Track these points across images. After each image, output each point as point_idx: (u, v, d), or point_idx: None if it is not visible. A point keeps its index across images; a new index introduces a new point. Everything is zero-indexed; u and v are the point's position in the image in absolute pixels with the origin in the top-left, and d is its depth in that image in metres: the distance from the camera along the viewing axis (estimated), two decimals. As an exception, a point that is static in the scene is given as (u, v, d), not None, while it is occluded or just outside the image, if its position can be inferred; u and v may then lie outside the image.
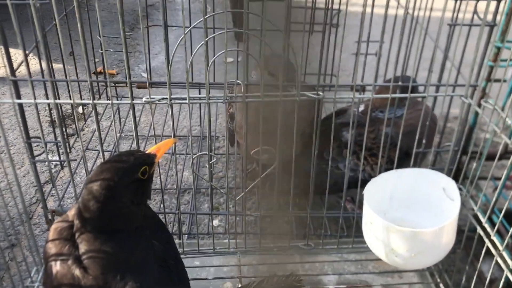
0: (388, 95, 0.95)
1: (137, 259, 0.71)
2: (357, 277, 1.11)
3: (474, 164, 0.96)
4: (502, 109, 0.87)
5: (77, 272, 0.67)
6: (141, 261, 0.71)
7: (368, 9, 0.95)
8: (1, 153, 0.82)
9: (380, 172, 1.04)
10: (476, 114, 1.03)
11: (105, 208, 0.68)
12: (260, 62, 0.90)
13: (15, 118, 1.72)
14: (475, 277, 0.88)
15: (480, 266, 0.88)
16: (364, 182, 1.02)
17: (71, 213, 0.72)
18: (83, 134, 1.66)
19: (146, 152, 0.74)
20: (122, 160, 0.72)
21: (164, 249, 0.75)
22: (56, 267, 0.68)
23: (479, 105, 0.97)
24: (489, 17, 0.95)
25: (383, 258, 0.97)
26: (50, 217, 1.09)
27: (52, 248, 0.70)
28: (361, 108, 1.25)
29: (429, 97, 0.98)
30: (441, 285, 1.06)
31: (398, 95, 0.97)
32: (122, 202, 0.70)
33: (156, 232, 0.77)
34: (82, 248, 0.69)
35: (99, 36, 1.52)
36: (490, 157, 0.99)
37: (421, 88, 1.25)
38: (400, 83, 0.99)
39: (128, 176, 0.70)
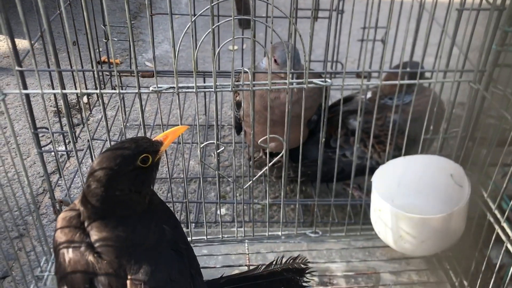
0: (396, 82, 0.94)
1: (150, 242, 0.71)
2: (365, 264, 1.11)
3: (483, 151, 0.95)
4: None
5: (90, 257, 0.68)
6: (154, 244, 0.71)
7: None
8: (8, 143, 0.82)
9: (387, 159, 1.04)
10: (484, 99, 1.02)
11: (105, 196, 0.68)
12: (268, 50, 0.89)
13: (20, 108, 1.73)
14: (484, 263, 0.88)
15: (489, 253, 0.88)
16: (372, 170, 1.02)
17: (78, 202, 0.73)
18: (89, 124, 1.66)
19: (153, 139, 0.73)
20: (123, 147, 0.70)
21: (174, 234, 0.75)
22: (69, 254, 0.69)
23: (487, 90, 0.97)
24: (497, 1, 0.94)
25: (392, 245, 0.97)
26: (57, 207, 1.09)
27: (62, 237, 0.70)
28: (369, 95, 1.25)
29: (437, 83, 0.98)
30: (450, 271, 1.06)
31: (406, 81, 0.97)
32: (120, 190, 0.69)
33: (164, 217, 0.77)
34: (94, 235, 0.69)
35: (103, 25, 1.52)
36: (499, 144, 0.98)
37: (428, 74, 1.25)
38: (408, 69, 0.98)
39: (127, 164, 0.69)
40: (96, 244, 0.68)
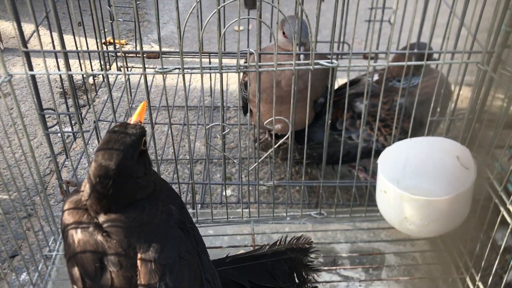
0: (403, 63, 0.93)
1: (158, 221, 0.71)
2: (370, 245, 1.12)
3: (489, 133, 0.95)
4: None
5: (99, 237, 0.68)
6: (163, 223, 0.72)
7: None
8: (15, 124, 0.83)
9: (393, 143, 1.03)
10: (491, 81, 1.01)
11: (121, 185, 0.68)
12: (273, 30, 0.89)
13: (26, 89, 1.73)
14: (489, 245, 0.88)
15: (494, 235, 0.88)
16: (377, 153, 1.02)
17: (85, 198, 0.72)
18: (95, 105, 1.66)
19: (133, 123, 0.72)
20: (123, 135, 0.69)
21: (180, 213, 0.76)
22: (77, 235, 0.69)
23: (495, 71, 0.96)
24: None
25: (397, 227, 0.97)
26: (64, 187, 1.10)
27: (69, 219, 0.71)
28: (376, 77, 1.24)
29: (445, 64, 0.97)
30: (454, 253, 1.06)
31: (413, 62, 0.96)
32: (136, 177, 0.69)
33: (170, 198, 0.77)
34: (102, 216, 0.69)
35: (108, 5, 1.51)
36: (506, 126, 0.97)
37: (436, 56, 1.23)
38: (415, 50, 0.97)
39: (135, 150, 0.69)
40: (105, 225, 0.69)
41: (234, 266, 0.87)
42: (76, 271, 0.69)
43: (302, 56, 1.02)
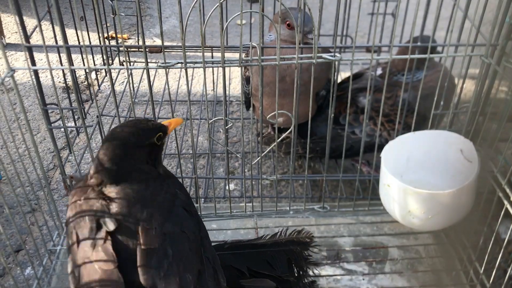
0: (407, 56, 0.93)
1: (163, 199, 0.73)
2: (373, 238, 1.12)
3: (493, 126, 0.94)
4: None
5: (100, 202, 0.70)
6: (167, 202, 0.74)
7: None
8: (18, 119, 0.83)
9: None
10: (495, 74, 1.00)
11: (121, 163, 0.72)
12: (275, 23, 0.88)
13: (29, 84, 1.73)
14: (492, 238, 0.88)
15: (497, 228, 0.88)
16: (381, 147, 1.01)
17: (90, 176, 0.74)
18: (97, 100, 1.66)
19: (158, 122, 0.79)
20: (141, 122, 0.77)
21: (186, 198, 0.78)
22: (80, 202, 0.71)
23: (499, 64, 0.95)
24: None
25: (400, 220, 0.97)
26: (68, 182, 1.10)
27: (75, 194, 0.73)
28: (379, 71, 1.23)
29: (448, 57, 0.96)
30: (458, 246, 1.06)
31: (417, 55, 0.95)
32: (136, 160, 0.74)
33: (177, 185, 0.80)
34: (107, 192, 0.71)
35: (110, 0, 1.51)
36: (510, 119, 0.97)
37: (439, 49, 1.23)
38: (419, 43, 0.96)
39: (146, 137, 0.75)
40: (108, 194, 0.71)
41: (233, 252, 0.87)
42: (73, 235, 0.69)
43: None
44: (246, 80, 1.23)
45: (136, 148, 0.74)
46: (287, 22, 1.10)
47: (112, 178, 0.72)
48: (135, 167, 0.74)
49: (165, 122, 0.80)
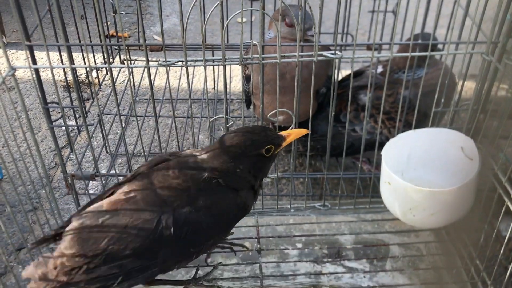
0: (407, 54, 0.93)
1: (226, 206, 0.80)
2: (374, 236, 1.12)
3: (494, 123, 0.94)
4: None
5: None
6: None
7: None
8: (19, 118, 0.83)
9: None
10: (496, 71, 1.00)
11: (226, 166, 0.78)
12: (275, 21, 0.88)
13: (30, 83, 1.73)
14: (493, 236, 0.88)
15: (498, 225, 0.88)
16: (381, 145, 1.01)
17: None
18: (98, 98, 1.66)
19: (279, 133, 0.82)
20: (254, 132, 0.80)
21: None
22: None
23: (500, 62, 0.95)
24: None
25: (401, 218, 0.97)
26: (69, 181, 1.10)
27: None
28: (380, 69, 1.23)
29: (449, 55, 0.96)
30: (459, 244, 1.06)
31: (417, 53, 0.95)
32: (240, 168, 0.79)
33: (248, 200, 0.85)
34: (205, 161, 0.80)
35: (111, -2, 1.51)
36: (511, 116, 0.97)
37: (440, 46, 1.23)
38: (420, 41, 0.96)
39: (254, 149, 0.79)
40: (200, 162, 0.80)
41: None
42: None
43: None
44: (246, 79, 1.23)
45: (241, 158, 0.79)
46: (287, 20, 1.10)
47: (216, 158, 0.79)
48: (237, 175, 0.79)
49: (284, 133, 0.82)
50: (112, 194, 0.80)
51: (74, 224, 0.75)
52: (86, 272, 0.72)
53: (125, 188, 0.78)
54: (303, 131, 0.85)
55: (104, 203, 0.76)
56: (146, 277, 0.76)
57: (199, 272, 0.97)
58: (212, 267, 0.99)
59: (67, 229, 0.76)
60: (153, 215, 0.74)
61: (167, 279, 0.89)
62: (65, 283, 0.72)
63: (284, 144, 0.81)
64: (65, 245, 0.74)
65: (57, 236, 0.80)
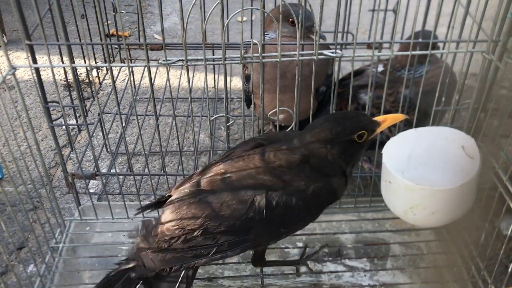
0: (408, 52, 0.92)
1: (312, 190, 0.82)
2: (375, 235, 1.12)
3: (494, 122, 0.94)
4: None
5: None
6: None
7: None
8: (20, 117, 0.83)
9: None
10: (497, 70, 1.00)
11: (318, 152, 0.80)
12: (275, 20, 0.88)
13: (30, 82, 1.73)
14: (494, 235, 0.88)
15: (499, 224, 0.88)
16: (382, 144, 1.01)
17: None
18: (99, 98, 1.66)
19: (373, 119, 0.82)
20: (347, 117, 0.81)
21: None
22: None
23: (500, 60, 0.95)
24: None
25: (402, 217, 0.97)
26: (70, 180, 1.10)
27: None
28: (380, 68, 1.23)
29: (450, 53, 0.96)
30: (459, 243, 1.06)
31: (418, 52, 0.95)
32: (332, 154, 0.80)
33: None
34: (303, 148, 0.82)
35: (111, -3, 1.51)
36: (511, 115, 0.97)
37: (440, 45, 1.22)
38: (420, 39, 0.96)
39: (345, 134, 0.80)
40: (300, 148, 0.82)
41: None
42: None
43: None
44: (246, 78, 1.23)
45: (333, 142, 0.80)
46: (290, 19, 1.09)
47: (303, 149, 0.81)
48: (327, 156, 0.80)
49: (379, 118, 0.82)
50: (204, 170, 0.86)
51: (174, 198, 0.83)
52: (183, 242, 0.79)
53: (221, 168, 0.83)
54: (399, 116, 0.84)
55: (202, 182, 0.82)
56: (238, 251, 0.81)
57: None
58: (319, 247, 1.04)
59: (168, 201, 0.84)
60: (247, 197, 0.78)
61: (276, 259, 1.04)
62: (164, 249, 0.80)
63: (379, 130, 0.82)
64: (165, 217, 0.81)
65: (159, 204, 0.88)
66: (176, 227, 0.79)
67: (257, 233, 0.80)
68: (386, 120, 0.82)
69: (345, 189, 0.87)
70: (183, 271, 0.82)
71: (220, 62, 0.86)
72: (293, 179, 0.80)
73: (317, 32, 0.87)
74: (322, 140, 0.80)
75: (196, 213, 0.79)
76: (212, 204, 0.79)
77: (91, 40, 1.56)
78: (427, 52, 0.92)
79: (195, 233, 0.79)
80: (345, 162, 0.82)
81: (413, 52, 0.93)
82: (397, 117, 0.84)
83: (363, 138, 0.80)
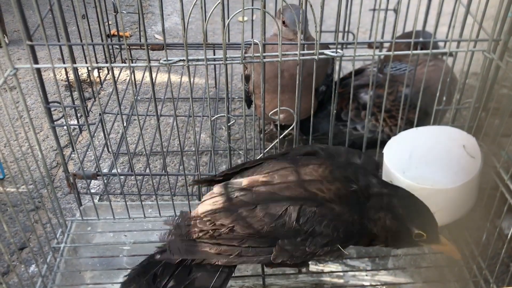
0: (409, 52, 0.92)
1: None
2: (376, 235, 1.11)
3: (496, 121, 0.94)
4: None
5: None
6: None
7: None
8: (21, 117, 0.83)
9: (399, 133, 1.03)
10: (498, 69, 1.00)
11: (373, 214, 0.80)
12: (276, 19, 0.88)
13: (31, 82, 1.73)
14: (495, 234, 0.88)
15: (500, 224, 0.88)
16: (383, 143, 1.01)
17: None
18: (100, 98, 1.66)
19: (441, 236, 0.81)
20: (425, 211, 0.82)
21: None
22: None
23: (501, 59, 0.95)
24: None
25: (403, 216, 0.97)
26: (71, 180, 1.10)
27: None
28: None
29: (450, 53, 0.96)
30: (461, 242, 1.06)
31: (419, 51, 0.95)
32: (381, 223, 0.80)
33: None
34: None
35: (112, -3, 1.51)
36: (513, 114, 0.97)
37: (441, 44, 1.22)
38: (421, 39, 0.96)
39: (408, 221, 0.80)
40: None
41: None
42: None
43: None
44: (246, 79, 1.23)
45: (391, 218, 0.79)
46: (283, 20, 1.09)
47: None
48: (376, 221, 0.80)
49: (445, 241, 0.81)
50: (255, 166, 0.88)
51: (215, 191, 0.85)
52: (210, 237, 0.81)
53: (266, 168, 0.84)
54: (455, 255, 0.83)
55: (244, 180, 0.83)
56: (260, 259, 0.80)
57: None
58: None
59: (208, 194, 0.86)
60: (282, 204, 0.78)
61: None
62: (192, 240, 0.82)
63: (434, 244, 0.81)
64: (202, 208, 0.83)
65: (212, 182, 0.92)
66: (208, 220, 0.81)
67: (282, 245, 0.79)
68: (447, 246, 0.81)
69: (361, 244, 0.86)
70: (219, 270, 0.82)
71: (221, 62, 0.86)
72: (336, 202, 0.79)
73: (317, 32, 0.87)
74: (384, 208, 0.79)
75: (229, 210, 0.80)
76: (246, 204, 0.80)
77: (92, 41, 1.56)
78: (428, 51, 0.92)
79: (222, 230, 0.79)
80: (385, 237, 0.81)
81: (414, 52, 0.93)
82: (454, 254, 0.83)
83: (417, 237, 0.79)
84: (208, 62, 0.86)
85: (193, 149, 1.44)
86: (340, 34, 1.50)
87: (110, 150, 1.40)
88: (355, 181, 0.81)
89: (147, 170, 1.31)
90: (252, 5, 1.52)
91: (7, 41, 1.95)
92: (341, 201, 0.78)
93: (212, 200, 0.83)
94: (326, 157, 0.87)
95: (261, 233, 0.78)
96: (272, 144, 1.02)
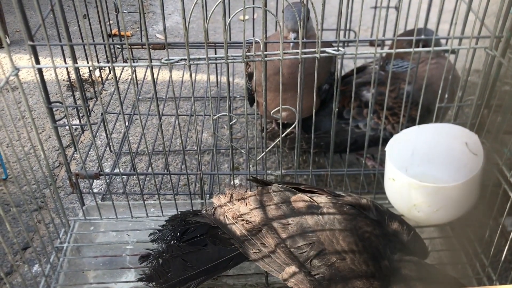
0: (410, 50, 0.92)
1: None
2: (378, 233, 1.11)
3: (498, 118, 0.94)
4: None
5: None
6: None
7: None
8: (23, 117, 0.83)
9: (401, 130, 1.03)
10: (500, 66, 1.00)
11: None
12: (278, 19, 0.88)
13: (33, 83, 1.74)
14: (498, 231, 0.88)
15: (503, 221, 0.88)
16: (385, 141, 1.01)
17: None
18: (102, 98, 1.66)
19: None
20: None
21: None
22: None
23: (504, 56, 0.95)
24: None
25: (405, 214, 0.97)
26: (74, 180, 1.11)
27: None
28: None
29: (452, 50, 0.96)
30: (464, 240, 1.06)
31: (421, 49, 0.95)
32: None
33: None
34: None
35: (113, -3, 1.51)
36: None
37: (443, 41, 1.22)
38: (423, 36, 0.96)
39: None
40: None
41: None
42: None
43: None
44: (249, 77, 1.23)
45: None
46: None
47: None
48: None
49: None
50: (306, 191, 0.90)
51: (253, 198, 0.89)
52: (240, 227, 0.85)
53: (319, 201, 0.86)
54: None
55: (293, 199, 0.87)
56: (269, 270, 0.83)
57: None
58: None
59: (251, 193, 0.90)
60: (307, 239, 0.81)
61: None
62: (233, 218, 0.87)
63: None
64: (237, 204, 0.89)
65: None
66: (245, 213, 0.86)
67: (293, 271, 0.80)
68: None
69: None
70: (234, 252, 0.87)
71: (222, 61, 0.86)
72: (355, 269, 0.79)
73: (319, 30, 0.87)
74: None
75: (265, 213, 0.85)
76: (278, 218, 0.84)
77: (94, 40, 1.56)
78: (430, 49, 0.92)
79: (249, 225, 0.84)
80: None
81: (416, 50, 0.93)
82: None
83: None
84: (210, 61, 0.86)
85: (195, 148, 1.44)
86: (342, 32, 1.50)
87: (112, 149, 1.41)
88: (385, 257, 0.81)
89: (149, 170, 1.31)
90: (253, 4, 1.52)
91: (8, 42, 1.95)
92: (360, 269, 0.78)
93: (262, 196, 0.88)
94: (376, 218, 0.86)
95: (278, 252, 0.81)
96: (274, 143, 1.02)
